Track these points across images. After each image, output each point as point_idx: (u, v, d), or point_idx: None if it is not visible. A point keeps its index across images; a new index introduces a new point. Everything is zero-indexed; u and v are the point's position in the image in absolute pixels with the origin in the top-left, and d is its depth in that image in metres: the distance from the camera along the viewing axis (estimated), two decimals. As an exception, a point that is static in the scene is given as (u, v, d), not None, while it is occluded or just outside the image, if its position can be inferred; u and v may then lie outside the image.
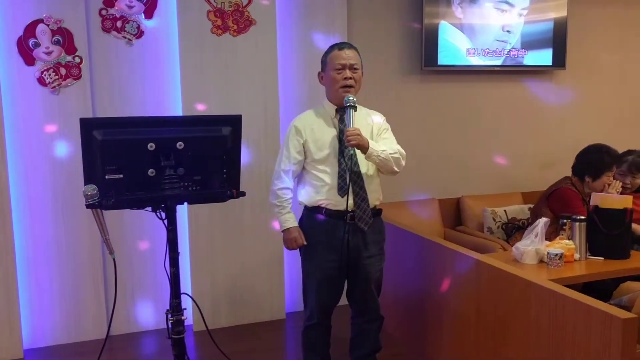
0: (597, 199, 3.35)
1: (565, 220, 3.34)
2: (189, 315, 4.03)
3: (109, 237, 2.39)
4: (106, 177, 2.25)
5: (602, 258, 3.26)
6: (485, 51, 4.82)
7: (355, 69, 2.91)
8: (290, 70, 4.28)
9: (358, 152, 2.83)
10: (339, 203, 2.88)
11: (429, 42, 4.65)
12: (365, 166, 2.92)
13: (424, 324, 3.54)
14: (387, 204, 4.24)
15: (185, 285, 4.12)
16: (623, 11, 5.37)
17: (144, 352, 3.85)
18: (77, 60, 3.77)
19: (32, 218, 3.83)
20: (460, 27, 4.72)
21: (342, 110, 2.88)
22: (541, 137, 5.25)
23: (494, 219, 4.63)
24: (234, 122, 2.44)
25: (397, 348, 3.78)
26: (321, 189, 2.91)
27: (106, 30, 3.84)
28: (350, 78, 2.88)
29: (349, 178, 2.86)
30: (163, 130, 2.35)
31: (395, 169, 2.93)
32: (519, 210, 4.71)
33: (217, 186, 2.44)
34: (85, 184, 2.25)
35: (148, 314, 4.16)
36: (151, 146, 2.27)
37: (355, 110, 2.85)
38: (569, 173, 3.97)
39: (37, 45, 3.69)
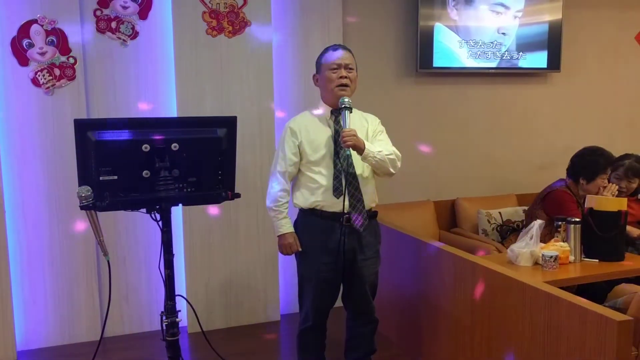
0: (592, 202, 3.35)
1: (560, 223, 3.34)
2: (183, 317, 4.04)
3: (103, 239, 2.38)
4: (100, 178, 2.24)
5: (597, 260, 3.27)
6: (480, 53, 4.82)
7: (350, 68, 2.92)
8: (286, 72, 4.27)
9: (354, 153, 2.83)
10: (334, 204, 2.87)
11: (424, 44, 4.65)
12: (360, 168, 2.91)
13: (419, 326, 3.54)
14: (382, 206, 4.23)
15: (180, 286, 4.10)
16: (618, 14, 5.38)
17: (139, 354, 3.84)
18: (72, 61, 3.76)
19: (26, 219, 3.82)
20: (456, 29, 4.73)
21: (337, 112, 2.88)
22: (536, 139, 5.26)
23: (489, 221, 4.63)
24: (229, 123, 2.44)
25: (393, 350, 3.78)
26: (316, 191, 2.90)
27: (101, 31, 3.83)
28: (346, 77, 2.89)
29: (345, 179, 2.86)
30: (158, 132, 2.34)
31: (391, 170, 2.93)
32: (514, 212, 4.72)
33: (212, 188, 2.43)
34: (80, 185, 2.24)
35: (142, 316, 4.15)
36: (146, 147, 2.26)
37: (351, 112, 2.85)
38: (563, 175, 3.98)
39: (31, 45, 3.67)
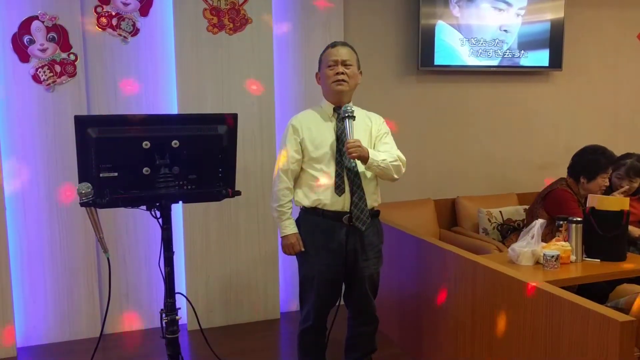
0: (594, 201, 3.34)
1: (561, 222, 3.33)
2: (183, 315, 4.03)
3: (103, 236, 2.37)
4: (101, 175, 2.23)
5: (599, 260, 3.25)
6: (482, 52, 4.81)
7: (348, 65, 2.91)
8: (287, 70, 4.26)
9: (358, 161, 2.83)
10: (336, 203, 2.86)
11: (426, 42, 4.64)
12: (363, 166, 2.90)
13: (420, 325, 3.53)
14: (382, 205, 4.21)
15: (180, 284, 4.10)
16: (620, 13, 5.37)
17: (138, 352, 3.83)
18: (72, 57, 3.75)
19: (26, 216, 3.81)
20: (457, 27, 4.71)
21: (341, 120, 2.87)
22: (537, 138, 5.25)
23: (489, 220, 4.62)
24: (230, 120, 2.42)
25: (393, 349, 3.77)
26: (318, 189, 2.89)
27: (101, 27, 3.82)
28: (343, 73, 2.88)
29: (347, 177, 2.85)
30: (158, 129, 2.33)
31: (395, 176, 2.92)
32: (514, 211, 4.70)
33: (213, 185, 2.42)
34: (80, 182, 2.23)
35: (142, 313, 4.14)
36: (146, 144, 2.25)
37: (354, 120, 2.84)
38: (564, 174, 3.97)
39: (31, 42, 3.66)
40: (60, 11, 3.70)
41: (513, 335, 2.67)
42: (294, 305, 4.32)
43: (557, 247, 3.17)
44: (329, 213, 2.89)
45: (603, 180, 3.77)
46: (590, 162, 3.78)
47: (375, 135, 3.00)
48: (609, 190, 3.94)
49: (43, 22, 3.66)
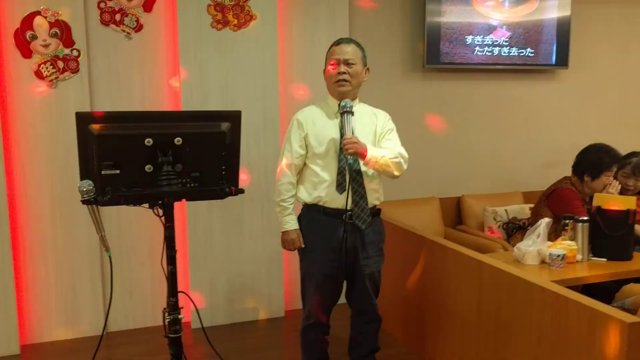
0: (600, 200, 3.31)
1: (567, 221, 3.30)
2: (187, 313, 4.02)
3: (104, 234, 2.35)
4: (102, 172, 2.20)
5: (605, 259, 3.23)
6: (488, 49, 4.77)
7: (351, 63, 2.88)
8: (291, 66, 4.23)
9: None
10: (336, 200, 2.84)
11: (431, 39, 4.61)
12: (362, 163, 2.87)
13: (424, 324, 3.51)
14: (387, 202, 4.20)
15: (184, 282, 4.09)
16: (626, 9, 5.33)
17: (143, 349, 3.82)
18: (75, 53, 3.73)
19: (29, 213, 3.80)
20: (464, 25, 4.67)
21: (340, 116, 2.85)
22: (543, 136, 5.22)
23: (495, 219, 4.60)
24: (233, 118, 2.39)
25: (398, 348, 3.75)
26: (319, 186, 2.87)
27: (105, 23, 3.80)
28: (344, 73, 2.85)
29: (349, 175, 2.82)
30: (160, 126, 2.30)
31: (395, 173, 2.88)
32: (520, 209, 4.68)
33: (216, 183, 2.39)
34: (81, 180, 2.20)
35: (147, 311, 4.13)
36: (148, 142, 2.22)
37: (353, 115, 2.82)
38: (570, 173, 3.94)
39: (34, 37, 3.64)
40: (62, 6, 3.68)
41: (519, 335, 2.65)
42: (299, 304, 4.29)
43: (563, 246, 3.14)
44: (329, 210, 2.87)
45: (607, 179, 3.74)
46: (594, 160, 3.75)
47: (380, 132, 2.97)
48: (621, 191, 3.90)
49: (46, 17, 3.64)
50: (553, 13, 4.93)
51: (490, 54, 4.79)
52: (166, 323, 2.43)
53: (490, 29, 4.76)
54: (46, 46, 3.67)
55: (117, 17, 3.80)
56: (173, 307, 2.43)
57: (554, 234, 3.53)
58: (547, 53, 4.97)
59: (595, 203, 3.34)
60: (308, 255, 2.97)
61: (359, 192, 2.85)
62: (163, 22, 3.93)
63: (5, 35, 3.62)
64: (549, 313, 2.44)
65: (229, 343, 3.84)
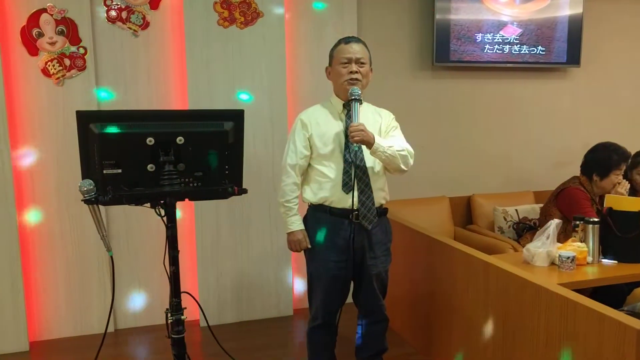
0: (612, 201, 3.25)
1: (578, 222, 3.25)
2: (195, 311, 4.01)
3: (105, 234, 2.34)
4: (104, 171, 2.18)
5: (616, 262, 3.16)
6: (498, 47, 4.71)
7: (362, 63, 2.84)
8: (299, 64, 4.20)
9: (364, 147, 2.76)
10: (342, 200, 2.81)
11: (441, 37, 4.56)
12: (371, 161, 2.84)
13: (432, 325, 3.47)
14: (396, 201, 4.18)
15: (192, 280, 4.09)
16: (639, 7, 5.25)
17: (150, 347, 3.82)
18: (82, 51, 3.72)
19: (37, 210, 3.80)
20: (473, 22, 4.62)
21: (349, 105, 2.81)
22: (554, 136, 5.15)
23: (505, 218, 4.54)
24: (236, 117, 2.36)
25: (406, 348, 3.72)
26: (325, 185, 2.84)
27: (111, 20, 3.78)
28: (357, 72, 2.81)
29: (354, 174, 2.78)
30: (162, 125, 2.27)
31: (403, 167, 2.84)
32: (531, 209, 4.62)
33: (219, 183, 2.36)
34: (83, 179, 2.19)
35: (155, 308, 4.12)
36: (150, 141, 2.20)
37: (361, 104, 2.79)
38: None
39: (40, 35, 3.63)
40: (69, 4, 3.66)
41: (526, 339, 2.60)
42: (307, 302, 4.28)
43: (573, 247, 3.09)
44: (335, 210, 2.83)
45: (616, 177, 3.69)
46: (602, 159, 3.71)
47: (384, 130, 2.94)
48: (631, 192, 3.84)
49: (52, 14, 3.63)
50: (565, 10, 4.85)
51: (500, 51, 4.73)
52: (169, 323, 2.41)
53: (501, 25, 4.70)
54: (53, 44, 3.66)
55: (124, 14, 3.78)
56: (176, 307, 2.41)
57: (563, 235, 3.48)
58: (558, 51, 4.91)
59: (606, 204, 3.28)
60: (315, 256, 2.94)
61: (365, 192, 2.82)
62: (169, 19, 3.91)
63: (12, 32, 3.61)
64: (557, 317, 2.39)
65: (237, 341, 3.83)
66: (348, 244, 2.83)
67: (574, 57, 4.95)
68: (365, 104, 2.93)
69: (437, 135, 4.79)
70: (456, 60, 4.65)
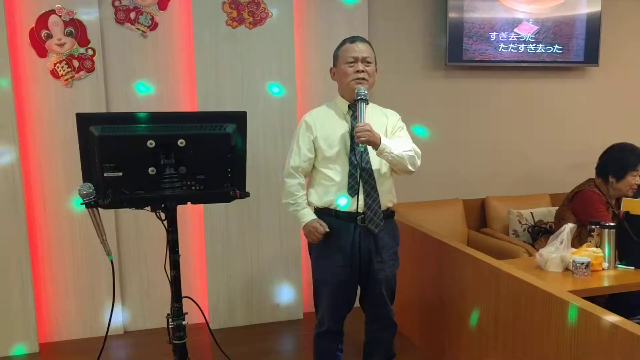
0: (629, 205, 3.15)
1: (593, 227, 3.16)
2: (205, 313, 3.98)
3: (105, 238, 2.31)
4: (105, 175, 2.15)
5: (633, 268, 3.07)
6: (513, 46, 4.63)
7: (368, 62, 2.79)
8: (309, 65, 4.15)
9: (370, 148, 2.71)
10: (348, 203, 2.75)
11: (454, 36, 4.48)
12: (377, 163, 2.78)
13: (442, 331, 3.41)
14: (409, 204, 4.12)
15: (202, 283, 4.08)
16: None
17: (158, 350, 3.79)
18: (90, 52, 3.70)
19: (46, 213, 3.80)
20: (487, 21, 4.54)
21: (354, 105, 2.75)
22: (571, 137, 5.05)
23: (520, 222, 4.46)
24: (239, 119, 2.31)
25: (416, 354, 3.66)
26: (331, 189, 2.79)
27: (119, 21, 3.76)
28: (363, 71, 2.76)
29: (360, 177, 2.73)
30: (163, 127, 2.24)
31: (410, 168, 2.79)
32: (546, 212, 4.52)
33: (221, 186, 2.32)
34: (84, 182, 2.16)
35: (163, 311, 4.05)
36: (151, 143, 2.16)
37: (367, 104, 2.73)
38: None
39: (49, 36, 3.62)
40: (77, 5, 3.65)
41: (536, 347, 2.53)
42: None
43: (588, 253, 3.00)
44: (341, 214, 2.78)
45: (633, 179, 3.61)
46: (618, 160, 3.63)
47: (390, 132, 2.88)
48: None
49: (60, 16, 3.62)
50: (583, 8, 4.75)
51: (515, 50, 4.64)
52: (170, 329, 2.38)
53: (516, 23, 4.60)
54: (61, 45, 3.65)
55: (132, 15, 3.77)
56: (177, 313, 2.38)
57: (577, 239, 3.40)
58: (576, 49, 4.80)
59: (623, 208, 3.18)
60: (320, 260, 2.89)
61: (372, 195, 2.76)
62: (178, 20, 3.89)
63: (21, 34, 3.61)
64: (568, 327, 2.32)
65: (246, 345, 3.81)
66: (354, 248, 2.78)
67: (592, 56, 4.85)
68: (370, 105, 2.87)
69: (450, 136, 4.72)
70: (469, 60, 4.57)
